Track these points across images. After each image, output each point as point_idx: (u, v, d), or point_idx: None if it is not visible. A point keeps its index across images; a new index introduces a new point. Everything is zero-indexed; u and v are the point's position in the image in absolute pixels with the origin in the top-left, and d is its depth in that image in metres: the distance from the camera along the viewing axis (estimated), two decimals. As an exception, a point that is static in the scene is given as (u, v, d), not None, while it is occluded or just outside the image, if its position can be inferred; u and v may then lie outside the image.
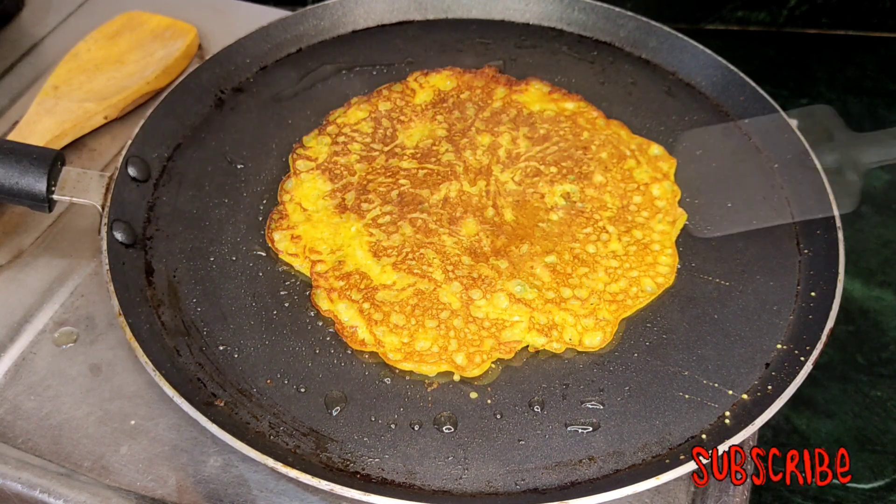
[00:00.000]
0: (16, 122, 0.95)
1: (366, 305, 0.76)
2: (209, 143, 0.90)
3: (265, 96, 0.95)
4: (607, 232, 0.82)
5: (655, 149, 0.91)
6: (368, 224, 0.81)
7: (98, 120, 0.96)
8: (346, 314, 0.75)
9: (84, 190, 0.79)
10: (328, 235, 0.81)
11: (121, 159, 0.82)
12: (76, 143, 0.95)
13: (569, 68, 1.00)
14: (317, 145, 0.88)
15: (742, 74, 0.95)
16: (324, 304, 0.76)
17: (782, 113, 0.90)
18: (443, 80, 0.96)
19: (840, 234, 0.80)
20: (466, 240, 0.81)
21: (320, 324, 0.76)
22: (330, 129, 0.90)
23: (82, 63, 1.01)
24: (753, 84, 0.94)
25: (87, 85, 0.98)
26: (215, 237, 0.81)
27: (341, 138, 0.89)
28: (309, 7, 1.01)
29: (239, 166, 0.88)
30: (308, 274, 0.78)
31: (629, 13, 1.01)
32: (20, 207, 0.84)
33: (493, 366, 0.73)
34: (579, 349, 0.75)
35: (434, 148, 0.88)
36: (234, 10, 1.14)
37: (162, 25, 1.06)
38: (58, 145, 0.92)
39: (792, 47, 1.47)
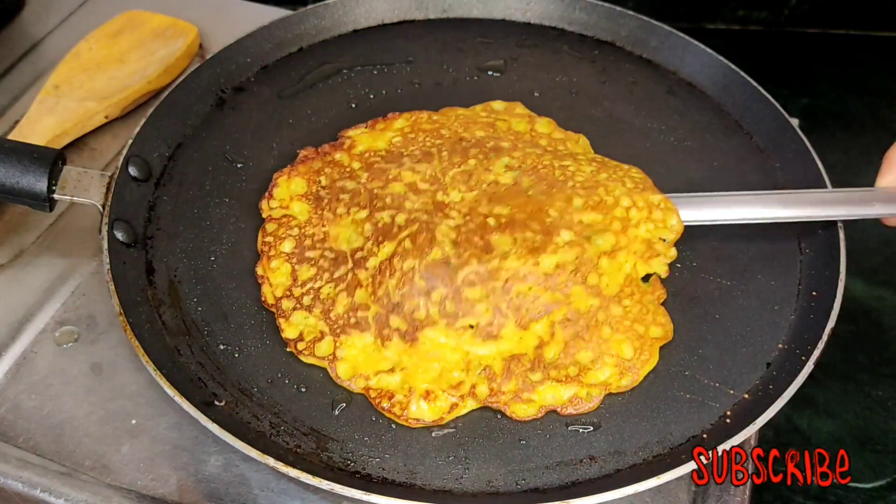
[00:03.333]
0: (17, 122, 0.94)
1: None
2: (210, 143, 0.90)
3: (266, 96, 0.95)
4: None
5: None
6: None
7: (99, 119, 0.96)
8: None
9: (85, 189, 0.78)
10: None
11: (122, 159, 0.82)
12: (77, 143, 0.95)
13: (570, 68, 0.99)
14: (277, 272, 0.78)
15: (743, 74, 0.94)
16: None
17: (783, 112, 0.90)
18: (295, 184, 0.84)
19: (841, 233, 0.80)
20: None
21: (321, 323, 0.76)
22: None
23: (83, 62, 1.01)
24: (754, 83, 0.93)
25: (87, 84, 0.98)
26: (216, 237, 0.81)
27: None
28: (310, 6, 1.01)
29: (239, 165, 0.88)
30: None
31: (630, 12, 1.01)
32: (21, 207, 0.84)
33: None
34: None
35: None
36: (235, 9, 1.14)
37: (163, 25, 1.06)
38: (59, 144, 0.92)
39: (793, 46, 1.47)
